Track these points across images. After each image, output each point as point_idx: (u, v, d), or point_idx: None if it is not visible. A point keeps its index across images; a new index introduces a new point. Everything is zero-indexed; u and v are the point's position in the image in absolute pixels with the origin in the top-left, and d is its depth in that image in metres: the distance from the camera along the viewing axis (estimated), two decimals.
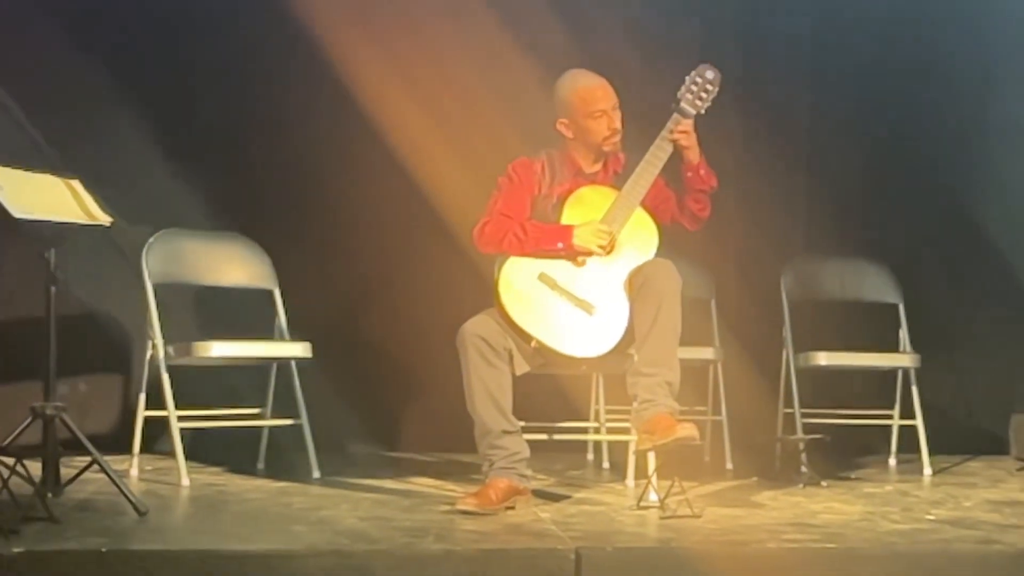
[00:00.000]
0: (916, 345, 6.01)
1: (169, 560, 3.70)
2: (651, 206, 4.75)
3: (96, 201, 4.69)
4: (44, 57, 5.77)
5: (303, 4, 5.73)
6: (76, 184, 4.69)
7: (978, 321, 6.47)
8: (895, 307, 6.11)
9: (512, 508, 4.49)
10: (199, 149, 5.91)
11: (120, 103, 5.81)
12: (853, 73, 6.42)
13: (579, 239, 4.63)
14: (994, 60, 6.50)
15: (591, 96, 4.71)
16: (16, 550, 3.62)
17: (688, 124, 4.67)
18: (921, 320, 6.11)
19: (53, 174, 4.68)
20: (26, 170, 4.56)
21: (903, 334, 6.07)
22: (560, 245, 4.65)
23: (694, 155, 4.69)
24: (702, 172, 4.72)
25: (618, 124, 4.72)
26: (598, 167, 4.81)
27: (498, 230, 4.67)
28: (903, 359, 5.96)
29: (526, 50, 5.77)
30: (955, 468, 5.99)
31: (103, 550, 3.69)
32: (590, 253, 4.64)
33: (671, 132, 4.65)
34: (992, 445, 6.39)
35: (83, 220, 4.59)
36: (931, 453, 5.89)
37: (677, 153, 4.66)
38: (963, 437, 6.36)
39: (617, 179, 4.77)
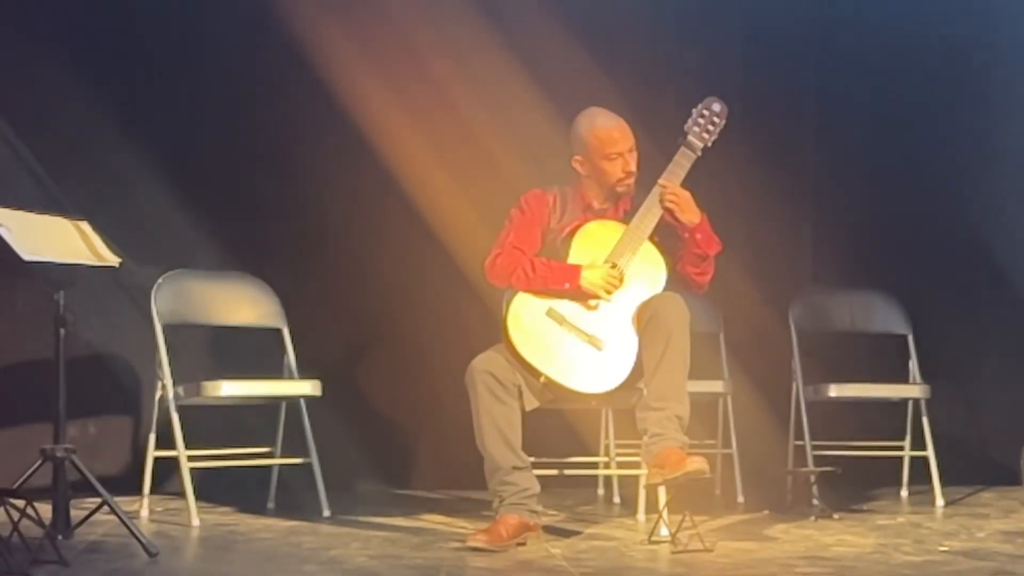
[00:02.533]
0: (926, 376, 5.99)
1: None
2: (664, 241, 4.74)
3: (104, 242, 4.70)
4: (51, 98, 5.78)
5: (312, 46, 5.75)
6: (84, 225, 4.70)
7: (988, 351, 6.45)
8: (904, 338, 6.09)
9: (523, 544, 4.49)
10: (207, 189, 5.91)
11: (128, 144, 5.80)
12: (860, 102, 6.42)
13: (586, 281, 4.62)
14: (1004, 87, 6.49)
15: (608, 137, 4.70)
16: None
17: (675, 182, 4.62)
18: (931, 351, 6.09)
19: (61, 216, 4.70)
20: (34, 212, 4.58)
21: (913, 365, 6.05)
22: (567, 285, 4.64)
23: (690, 217, 4.61)
24: (699, 237, 4.64)
25: (633, 167, 4.71)
26: (608, 204, 4.81)
27: (508, 263, 4.67)
28: (913, 390, 5.94)
29: (533, 84, 5.77)
30: (967, 499, 5.97)
31: None
32: (597, 297, 4.63)
33: (664, 190, 4.62)
34: (1004, 476, 6.35)
35: (92, 261, 4.60)
36: (943, 484, 5.86)
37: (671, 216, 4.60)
38: (975, 468, 6.33)
39: (627, 216, 4.75)
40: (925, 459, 5.89)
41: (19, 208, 4.50)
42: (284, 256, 5.92)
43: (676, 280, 4.73)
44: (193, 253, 5.70)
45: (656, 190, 4.67)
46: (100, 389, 5.75)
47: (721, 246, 4.70)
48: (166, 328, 5.25)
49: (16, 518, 4.12)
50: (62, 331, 4.48)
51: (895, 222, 6.43)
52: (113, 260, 4.68)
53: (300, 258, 5.99)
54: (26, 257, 4.30)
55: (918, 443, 5.96)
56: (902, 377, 6.04)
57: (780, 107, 6.32)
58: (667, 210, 4.61)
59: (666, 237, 4.71)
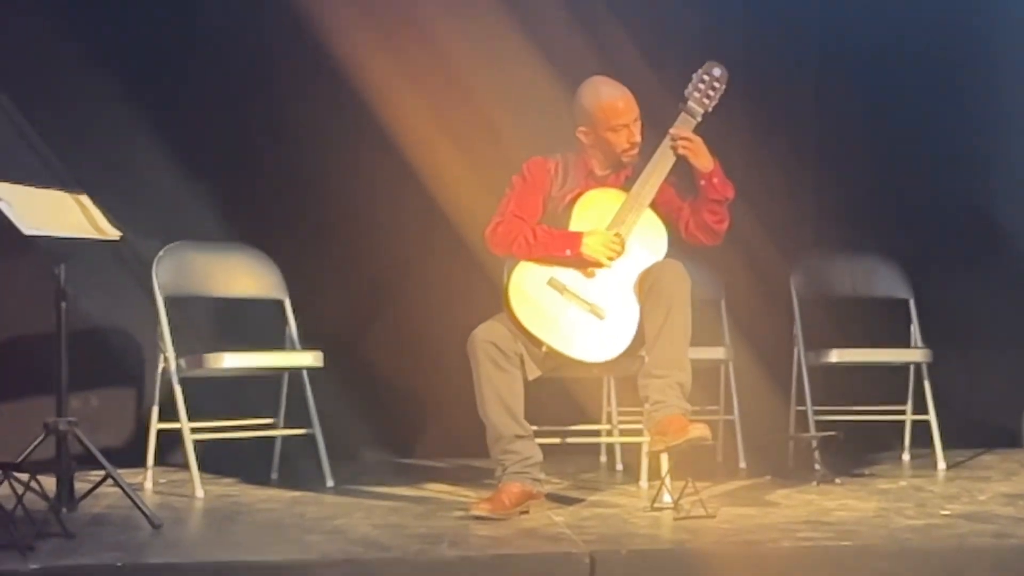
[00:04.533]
0: (928, 340, 5.99)
1: (185, 573, 3.72)
2: (663, 213, 4.75)
3: (105, 215, 4.70)
4: (52, 73, 5.76)
5: (312, 15, 5.72)
6: (84, 199, 4.70)
7: (989, 315, 6.44)
8: (906, 302, 6.10)
9: (526, 512, 4.50)
10: (207, 161, 5.90)
11: (126, 116, 5.79)
12: (861, 67, 6.40)
13: (588, 248, 4.63)
14: (1005, 50, 6.47)
15: (613, 109, 4.69)
16: (32, 567, 3.63)
17: (687, 130, 4.66)
18: (932, 315, 6.10)
19: (61, 189, 4.69)
20: (35, 186, 4.58)
21: (914, 329, 6.05)
22: (568, 252, 4.64)
23: (704, 163, 4.64)
24: (715, 181, 4.66)
25: (638, 137, 4.71)
26: (610, 171, 4.80)
27: (509, 232, 4.67)
28: (915, 354, 5.95)
29: (533, 51, 5.75)
30: (969, 462, 5.99)
31: (119, 564, 3.71)
32: (599, 264, 4.63)
33: (673, 140, 4.65)
34: (1005, 438, 6.37)
35: (93, 235, 4.61)
36: (944, 447, 5.87)
37: (683, 163, 4.64)
38: (976, 431, 6.34)
39: (628, 183, 4.76)
40: (927, 423, 5.91)
41: (20, 183, 4.50)
42: (285, 227, 5.91)
43: (691, 237, 4.74)
44: (194, 225, 5.68)
45: (656, 156, 4.68)
46: (102, 362, 5.73)
47: (735, 190, 4.71)
48: (167, 300, 5.25)
49: (20, 491, 4.13)
50: (63, 304, 4.48)
51: (896, 187, 6.42)
52: (114, 233, 4.68)
53: (301, 229, 5.99)
54: (27, 231, 4.30)
55: (920, 407, 5.97)
56: (904, 341, 6.05)
57: (781, 73, 6.30)
58: (682, 156, 4.61)
59: (681, 190, 4.73)
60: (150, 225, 5.42)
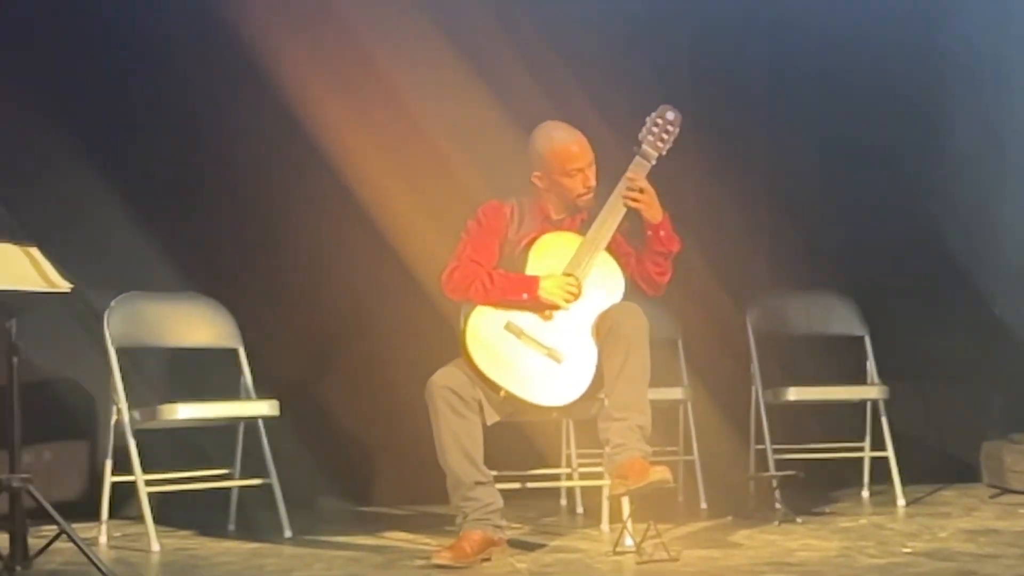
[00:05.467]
0: (884, 376, 6.03)
1: None
2: (614, 257, 4.75)
3: (55, 267, 4.65)
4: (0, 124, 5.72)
5: (261, 59, 5.71)
6: (34, 251, 4.65)
7: (945, 350, 6.47)
8: (861, 339, 6.13)
9: (488, 560, 4.47)
10: (158, 211, 5.87)
11: (76, 166, 5.74)
12: (811, 106, 6.44)
13: (545, 292, 4.61)
14: (953, 89, 6.53)
15: (567, 153, 4.69)
16: None
17: (642, 174, 4.66)
18: (888, 351, 6.13)
19: (10, 242, 4.64)
20: None
21: (871, 366, 6.08)
22: (525, 296, 4.62)
23: (654, 214, 4.63)
24: (662, 233, 4.65)
25: (593, 181, 4.70)
26: (566, 215, 4.80)
27: (465, 277, 4.65)
28: (871, 391, 5.97)
29: (487, 94, 5.76)
30: (928, 498, 6.00)
31: None
32: (556, 307, 4.62)
33: (629, 184, 4.65)
34: (964, 473, 6.39)
35: (43, 288, 4.55)
36: (904, 483, 5.89)
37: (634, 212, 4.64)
38: (935, 466, 6.37)
39: (583, 226, 4.75)
40: (885, 459, 5.93)
41: None
42: (238, 276, 5.89)
43: (635, 284, 4.73)
44: (146, 276, 5.65)
45: (611, 200, 4.67)
46: (55, 415, 5.68)
47: (681, 245, 4.71)
48: (120, 352, 5.20)
49: None
50: (15, 359, 4.43)
51: (850, 224, 6.46)
52: (64, 285, 4.62)
53: (254, 277, 5.96)
54: None
55: (878, 443, 5.99)
56: (860, 378, 6.07)
57: (732, 115, 6.33)
58: (633, 203, 4.61)
59: (630, 237, 4.71)
60: (101, 276, 5.39)
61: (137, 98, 5.95)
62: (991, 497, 5.97)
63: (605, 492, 5.02)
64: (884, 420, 5.94)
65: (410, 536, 5.13)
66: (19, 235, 4.75)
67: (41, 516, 4.45)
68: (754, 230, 6.33)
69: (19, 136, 5.75)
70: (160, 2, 5.88)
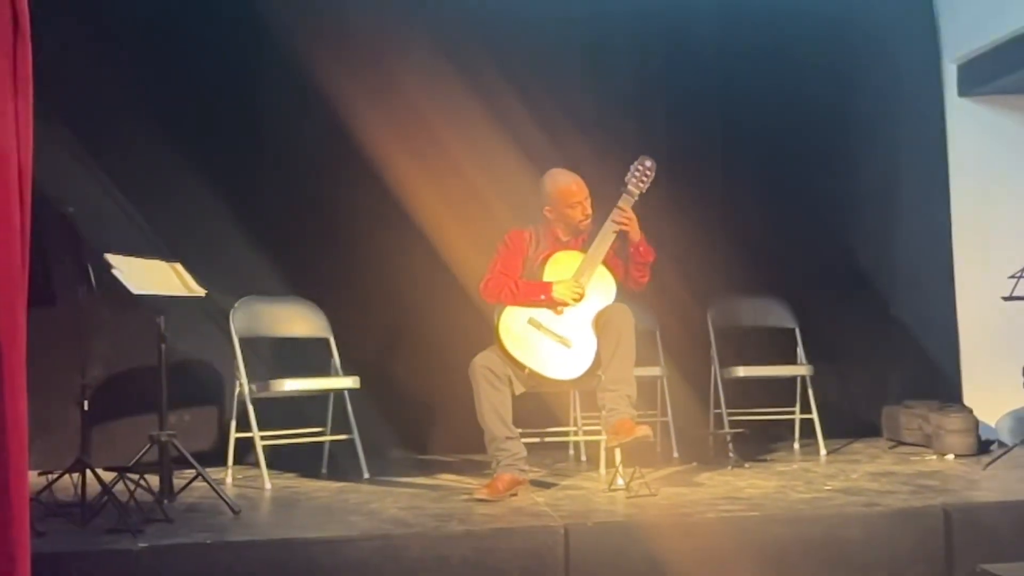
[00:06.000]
0: (810, 358, 5.97)
1: (258, 548, 3.66)
2: (607, 267, 4.73)
3: (194, 278, 4.67)
4: (145, 158, 5.66)
5: (351, 122, 5.65)
6: (178, 266, 4.67)
7: (855, 338, 6.40)
8: (793, 330, 6.08)
9: (515, 495, 4.46)
10: (269, 232, 5.81)
11: (207, 197, 5.69)
12: (755, 155, 6.37)
13: (557, 293, 4.63)
14: (858, 144, 6.49)
15: (568, 191, 4.69)
16: (141, 545, 3.58)
17: (628, 211, 4.63)
18: (813, 339, 6.07)
19: (160, 259, 4.66)
20: (141, 257, 4.55)
21: (800, 350, 6.03)
22: (542, 297, 4.64)
23: (635, 235, 4.66)
24: (642, 249, 4.69)
25: (589, 210, 4.72)
26: (571, 237, 4.79)
27: (497, 285, 4.66)
28: (800, 369, 5.92)
29: (514, 148, 5.73)
30: (843, 449, 5.94)
31: (208, 542, 3.66)
32: (565, 303, 4.61)
33: (619, 216, 4.62)
34: (869, 430, 6.32)
35: (184, 293, 4.57)
36: (825, 438, 5.83)
37: (622, 233, 4.66)
38: (848, 425, 6.28)
39: (584, 245, 4.75)
40: (811, 420, 5.87)
41: (128, 254, 4.47)
42: (329, 283, 5.83)
43: (624, 287, 4.73)
44: (259, 281, 5.60)
45: (605, 227, 4.67)
46: (193, 388, 5.66)
47: (655, 255, 4.74)
48: (241, 340, 5.19)
49: (132, 488, 4.09)
50: (163, 346, 4.44)
51: (785, 242, 6.37)
52: (200, 291, 4.65)
53: (341, 284, 5.90)
54: (135, 291, 4.27)
55: (805, 408, 5.93)
56: (792, 359, 6.01)
57: (695, 156, 6.26)
58: (621, 229, 4.60)
59: (620, 251, 4.73)
60: (226, 282, 5.34)
61: (256, 147, 5.89)
62: (890, 448, 5.93)
63: (602, 445, 4.99)
64: (810, 391, 5.88)
65: (457, 477, 5.12)
66: (166, 254, 4.77)
67: (182, 463, 4.47)
68: (712, 247, 6.24)
69: (164, 171, 5.68)
70: (273, 53, 5.79)
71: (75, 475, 4.12)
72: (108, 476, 4.16)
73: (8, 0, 3.23)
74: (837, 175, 6.46)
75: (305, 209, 5.96)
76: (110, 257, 4.28)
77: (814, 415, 5.85)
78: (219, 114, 5.82)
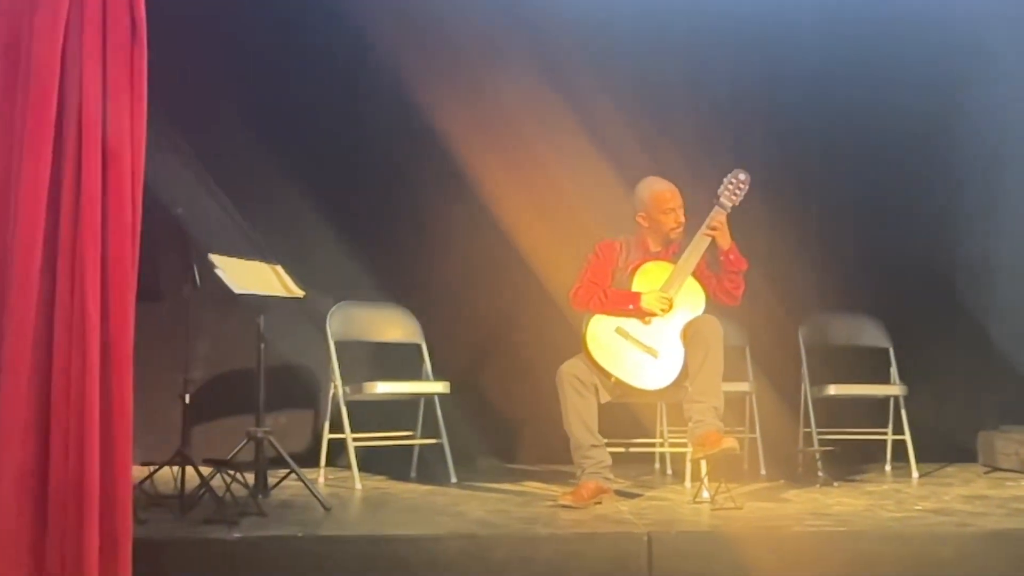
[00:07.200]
0: (903, 379, 5.87)
1: (347, 543, 3.74)
2: (698, 280, 4.73)
3: (293, 279, 4.78)
4: (249, 163, 5.82)
5: (445, 133, 5.75)
6: (279, 268, 4.80)
7: (951, 360, 6.26)
8: (886, 350, 5.99)
9: (599, 503, 4.48)
10: (365, 239, 5.95)
11: (308, 205, 5.86)
12: (852, 162, 6.28)
13: (645, 303, 4.64)
14: (960, 162, 6.38)
15: (663, 198, 4.71)
16: (235, 535, 3.68)
17: (721, 219, 4.64)
18: (907, 359, 5.97)
19: (261, 260, 4.79)
20: (242, 258, 4.68)
21: (893, 371, 5.93)
22: (631, 307, 4.65)
23: (725, 242, 4.64)
24: (732, 256, 4.66)
25: (682, 219, 4.73)
26: (660, 248, 4.81)
27: (587, 293, 4.70)
28: (894, 389, 5.82)
29: (607, 160, 5.76)
30: (936, 472, 5.82)
31: (299, 535, 3.75)
32: (653, 314, 4.63)
33: (709, 227, 4.64)
34: (964, 455, 6.17)
35: (283, 294, 4.68)
36: (917, 461, 5.72)
37: (714, 242, 4.66)
38: (942, 449, 6.14)
39: (675, 257, 4.76)
40: (903, 442, 5.76)
41: (230, 255, 4.60)
42: (423, 290, 5.93)
43: (716, 300, 4.73)
44: (356, 287, 5.72)
45: (696, 239, 4.67)
46: (289, 389, 5.77)
47: (747, 264, 4.70)
48: (337, 344, 5.31)
49: (228, 482, 4.20)
50: (262, 345, 4.56)
51: (880, 261, 6.28)
52: (299, 292, 4.76)
53: (434, 292, 6.00)
54: (236, 290, 4.39)
55: (898, 430, 5.82)
56: (885, 379, 5.92)
57: (792, 173, 6.23)
58: (711, 233, 4.61)
59: (711, 264, 4.72)
60: (324, 287, 5.45)
61: (354, 155, 6.02)
62: (985, 473, 5.80)
63: (688, 457, 4.99)
64: (903, 412, 5.77)
65: (543, 485, 5.14)
66: (267, 255, 4.90)
67: (277, 463, 4.58)
68: (806, 264, 6.20)
69: (268, 183, 5.86)
70: (373, 60, 5.90)
71: (175, 468, 4.24)
72: (206, 471, 4.28)
73: (127, 7, 3.40)
74: (938, 192, 6.35)
75: (401, 216, 6.07)
76: (214, 257, 4.42)
77: (907, 437, 5.74)
78: (320, 121, 5.98)
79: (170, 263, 4.64)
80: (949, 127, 6.34)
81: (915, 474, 5.66)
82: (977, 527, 4.01)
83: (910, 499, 4.78)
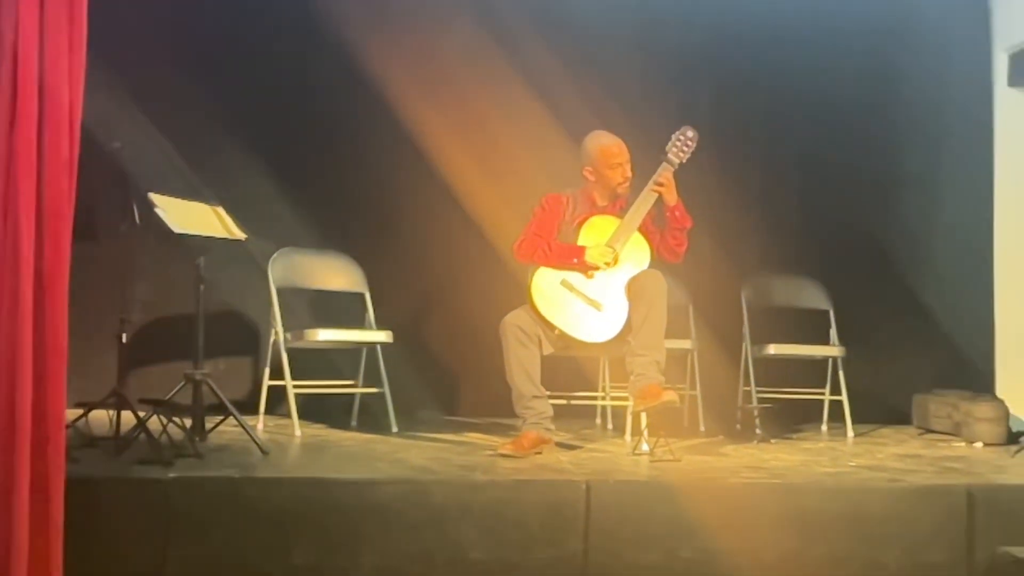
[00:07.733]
0: (842, 340, 5.95)
1: (284, 485, 3.72)
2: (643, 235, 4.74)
3: (234, 221, 4.71)
4: (192, 109, 5.75)
5: (388, 86, 5.70)
6: (220, 209, 4.73)
7: (887, 323, 6.36)
8: (826, 312, 6.06)
9: (540, 453, 4.50)
10: (310, 186, 5.91)
11: (251, 154, 5.80)
12: (796, 135, 6.36)
13: (589, 257, 4.64)
14: (904, 128, 6.45)
15: (610, 152, 4.70)
16: (172, 475, 3.64)
17: (668, 176, 4.65)
18: (846, 322, 6.04)
19: (202, 202, 4.71)
20: (182, 199, 4.60)
21: (832, 332, 6.00)
22: (575, 260, 4.65)
23: (671, 198, 4.66)
24: (677, 213, 4.68)
25: (629, 173, 4.73)
26: (607, 203, 4.80)
27: (531, 247, 4.68)
28: (832, 350, 5.89)
29: (552, 113, 5.75)
30: (870, 433, 5.91)
31: (236, 476, 3.72)
32: (597, 268, 4.63)
33: (657, 183, 4.64)
34: (898, 417, 6.27)
35: (225, 235, 4.62)
36: (853, 422, 5.80)
37: (660, 198, 4.66)
38: (877, 411, 6.24)
39: (621, 211, 4.76)
40: (840, 402, 5.84)
41: (170, 195, 4.52)
42: (366, 239, 5.88)
43: (660, 256, 4.73)
44: (299, 234, 5.68)
45: (643, 194, 4.67)
46: (229, 338, 5.73)
47: (692, 222, 4.72)
48: (279, 290, 5.26)
49: (165, 424, 4.16)
50: (201, 287, 4.50)
51: (822, 224, 6.35)
52: (240, 235, 4.70)
53: (378, 241, 5.95)
54: (176, 230, 4.33)
55: (835, 390, 5.90)
56: (824, 340, 5.99)
57: (738, 136, 6.26)
58: (658, 189, 4.60)
59: (657, 220, 4.72)
60: (266, 234, 5.39)
61: (299, 108, 5.96)
62: (919, 435, 5.90)
63: (629, 410, 5.01)
64: (841, 373, 5.86)
65: (484, 436, 5.15)
66: (208, 197, 4.83)
67: (215, 410, 4.53)
68: (749, 226, 6.24)
69: (214, 133, 5.79)
70: (321, 17, 5.83)
71: (111, 412, 4.19)
72: (143, 413, 4.22)
73: None
74: (880, 160, 6.42)
75: (346, 166, 6.02)
76: (153, 196, 4.35)
77: (844, 398, 5.82)
78: (266, 70, 5.90)
79: (110, 202, 4.56)
80: (894, 95, 6.41)
81: (850, 434, 5.74)
82: (907, 483, 4.07)
83: (844, 456, 4.85)
